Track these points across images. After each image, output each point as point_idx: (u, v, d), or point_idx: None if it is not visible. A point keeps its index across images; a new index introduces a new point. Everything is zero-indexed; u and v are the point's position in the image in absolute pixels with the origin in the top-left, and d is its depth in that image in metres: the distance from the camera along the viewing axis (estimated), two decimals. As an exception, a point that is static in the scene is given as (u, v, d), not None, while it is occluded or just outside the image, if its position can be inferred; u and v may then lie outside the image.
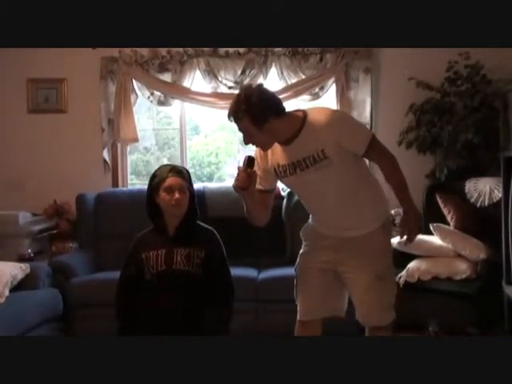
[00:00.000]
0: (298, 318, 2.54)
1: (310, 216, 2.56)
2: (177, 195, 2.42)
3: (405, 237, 2.37)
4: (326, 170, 2.28)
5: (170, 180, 2.44)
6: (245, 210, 2.39)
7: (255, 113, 2.22)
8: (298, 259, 2.57)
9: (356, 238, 2.40)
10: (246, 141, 2.34)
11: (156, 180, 2.48)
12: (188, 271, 2.42)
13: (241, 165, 2.30)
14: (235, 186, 2.28)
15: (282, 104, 2.33)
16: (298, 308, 2.54)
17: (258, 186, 2.43)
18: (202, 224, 2.59)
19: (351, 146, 2.31)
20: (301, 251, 2.58)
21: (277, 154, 2.36)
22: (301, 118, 2.31)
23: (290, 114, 2.35)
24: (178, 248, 2.44)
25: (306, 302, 2.51)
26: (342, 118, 2.40)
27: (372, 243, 2.41)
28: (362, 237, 2.40)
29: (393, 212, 3.60)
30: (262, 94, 2.27)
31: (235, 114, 2.26)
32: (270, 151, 2.39)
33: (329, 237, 2.45)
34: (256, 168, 2.36)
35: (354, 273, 2.41)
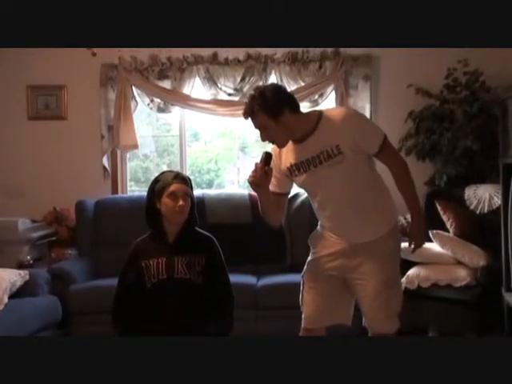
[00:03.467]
0: (302, 325, 2.53)
1: (319, 223, 2.55)
2: (181, 202, 2.40)
3: (412, 246, 2.47)
4: (339, 166, 2.29)
5: (175, 186, 2.42)
6: (260, 209, 2.44)
7: (270, 105, 2.27)
8: (305, 266, 2.56)
9: (366, 244, 2.40)
10: (263, 137, 2.37)
11: (159, 185, 2.45)
12: (189, 279, 2.41)
13: (258, 161, 2.32)
14: (251, 182, 2.32)
15: (296, 100, 2.38)
16: (304, 315, 2.53)
17: (274, 189, 2.46)
18: (201, 231, 2.57)
19: (365, 144, 2.34)
20: (308, 258, 2.57)
21: (291, 153, 2.39)
22: (316, 116, 2.35)
23: (306, 112, 2.42)
24: (178, 256, 2.42)
25: (313, 310, 2.50)
26: (357, 115, 2.46)
27: (382, 249, 2.41)
28: (373, 242, 2.40)
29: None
30: (276, 89, 2.36)
31: (251, 110, 2.30)
32: (284, 151, 2.41)
33: (339, 243, 2.44)
34: (273, 171, 2.41)
35: (365, 279, 2.41)
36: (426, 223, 2.62)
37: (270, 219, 2.49)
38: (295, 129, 2.33)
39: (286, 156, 2.40)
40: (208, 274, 2.44)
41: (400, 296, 2.51)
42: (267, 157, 2.32)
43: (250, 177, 2.32)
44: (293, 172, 2.40)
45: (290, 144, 2.39)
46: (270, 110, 2.27)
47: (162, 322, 2.36)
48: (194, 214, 2.52)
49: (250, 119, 2.34)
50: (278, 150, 2.43)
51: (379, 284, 2.39)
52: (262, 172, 2.29)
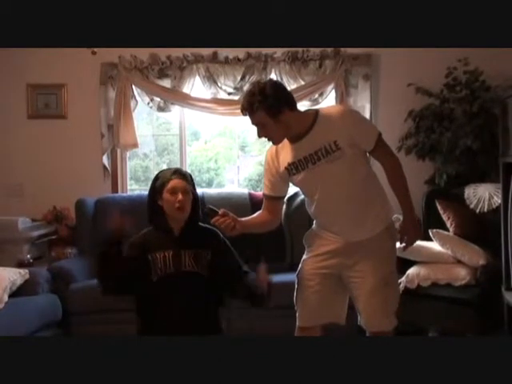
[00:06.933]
0: (297, 323, 2.54)
1: (315, 221, 2.56)
2: (180, 196, 2.40)
3: (403, 243, 2.46)
4: (338, 162, 2.31)
5: (174, 182, 2.43)
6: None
7: (270, 104, 2.28)
8: (300, 265, 2.57)
9: (363, 242, 2.41)
10: (260, 134, 2.39)
11: (159, 182, 2.47)
12: (197, 273, 2.42)
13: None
14: (231, 235, 2.40)
15: (294, 98, 2.40)
16: (298, 314, 2.54)
17: (268, 192, 2.47)
18: (205, 225, 2.57)
19: (362, 140, 2.36)
20: (304, 257, 2.58)
21: (288, 152, 2.40)
22: (313, 114, 2.38)
23: (303, 111, 2.44)
24: (184, 249, 2.43)
25: (307, 308, 2.51)
26: (353, 112, 2.52)
27: (379, 247, 2.42)
28: (369, 240, 2.41)
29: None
30: (275, 86, 2.35)
31: (250, 107, 2.30)
32: (281, 152, 2.43)
33: (335, 241, 2.45)
34: (268, 174, 2.48)
35: (361, 277, 2.42)
36: (418, 221, 2.62)
37: (266, 230, 2.57)
38: (293, 127, 2.35)
39: (284, 156, 2.41)
40: (213, 267, 2.45)
41: (397, 294, 2.51)
42: (210, 210, 2.38)
43: (226, 232, 2.39)
44: (291, 171, 2.40)
45: (287, 144, 2.40)
46: (271, 108, 2.28)
47: (170, 315, 2.37)
48: (198, 211, 2.53)
49: (247, 115, 2.35)
50: (274, 152, 2.45)
51: (376, 282, 2.39)
52: (225, 219, 2.35)
